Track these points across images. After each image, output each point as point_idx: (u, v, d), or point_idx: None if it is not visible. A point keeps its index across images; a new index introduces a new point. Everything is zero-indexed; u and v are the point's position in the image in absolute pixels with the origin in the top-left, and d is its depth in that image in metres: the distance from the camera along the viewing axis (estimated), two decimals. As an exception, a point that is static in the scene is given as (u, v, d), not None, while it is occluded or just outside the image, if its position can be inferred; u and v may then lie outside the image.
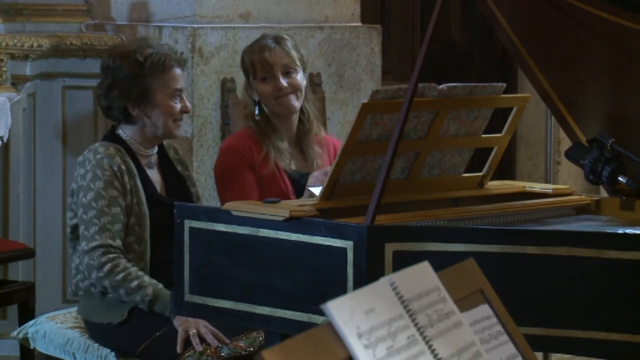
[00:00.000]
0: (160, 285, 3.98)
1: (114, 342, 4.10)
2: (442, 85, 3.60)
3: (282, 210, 3.52)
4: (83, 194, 3.97)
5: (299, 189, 4.33)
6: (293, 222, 3.41)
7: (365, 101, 3.49)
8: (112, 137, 4.14)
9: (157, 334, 3.95)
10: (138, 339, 4.01)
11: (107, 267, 3.90)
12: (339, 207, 3.49)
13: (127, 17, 5.52)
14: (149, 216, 4.04)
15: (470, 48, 6.95)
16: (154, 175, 4.18)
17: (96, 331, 4.11)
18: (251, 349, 3.89)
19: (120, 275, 3.90)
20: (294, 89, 4.37)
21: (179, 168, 4.28)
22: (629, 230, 3.52)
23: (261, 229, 3.45)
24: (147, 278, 3.96)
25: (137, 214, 4.01)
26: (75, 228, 4.03)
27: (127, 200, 3.99)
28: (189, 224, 3.62)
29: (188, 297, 3.62)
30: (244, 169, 4.39)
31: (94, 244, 3.92)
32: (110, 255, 3.91)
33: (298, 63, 4.44)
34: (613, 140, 3.16)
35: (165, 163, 4.25)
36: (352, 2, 5.73)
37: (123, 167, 4.00)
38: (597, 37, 3.42)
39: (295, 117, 4.47)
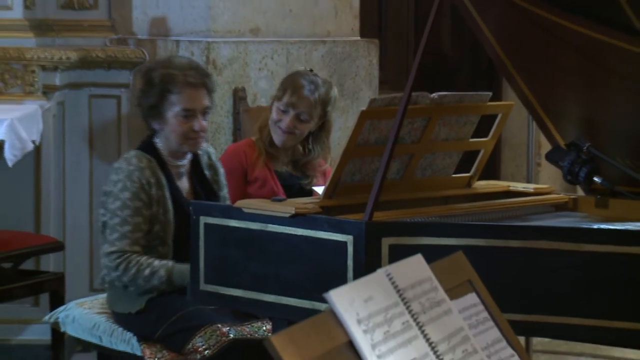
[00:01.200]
0: (171, 263, 3.97)
1: (136, 328, 4.10)
2: (433, 94, 3.60)
3: (288, 207, 3.52)
4: (112, 200, 3.96)
5: (287, 187, 4.38)
6: (298, 219, 3.41)
7: (364, 109, 3.50)
8: (147, 145, 4.08)
9: (172, 319, 3.95)
10: (156, 325, 4.01)
11: (121, 267, 3.90)
12: (340, 204, 3.50)
13: (148, 32, 5.52)
14: (174, 223, 4.00)
15: (460, 60, 6.94)
16: (183, 184, 4.12)
17: (121, 319, 4.11)
18: (256, 335, 3.90)
19: (134, 270, 3.90)
20: (294, 131, 4.35)
21: (209, 173, 4.20)
22: (603, 226, 3.52)
23: (269, 225, 3.46)
24: (157, 262, 3.95)
25: (162, 222, 3.98)
26: (104, 224, 4.02)
27: (153, 210, 3.96)
28: (204, 220, 3.62)
29: (203, 286, 3.63)
30: (234, 173, 4.40)
31: (112, 249, 3.92)
32: (124, 256, 3.91)
33: (314, 116, 4.37)
34: (589, 144, 3.17)
35: (196, 170, 4.18)
36: (352, 19, 5.73)
37: (152, 180, 3.96)
38: (575, 51, 3.43)
39: (292, 150, 4.48)
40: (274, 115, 4.37)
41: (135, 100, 4.08)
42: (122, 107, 5.55)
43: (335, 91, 4.46)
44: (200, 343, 3.88)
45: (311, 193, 4.24)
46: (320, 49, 5.53)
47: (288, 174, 4.44)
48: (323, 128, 4.45)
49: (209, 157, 4.22)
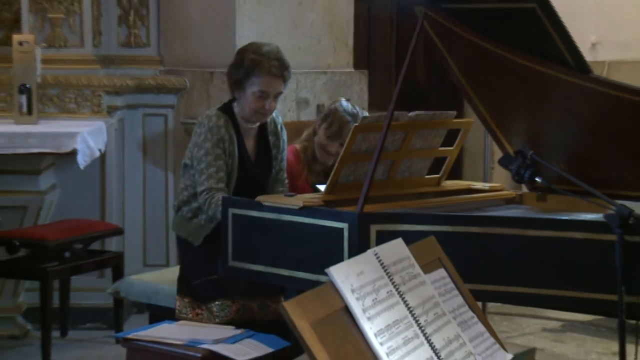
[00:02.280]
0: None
1: (186, 261, 4.06)
2: (410, 113, 3.59)
3: (297, 201, 3.50)
4: (197, 150, 3.90)
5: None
6: (305, 210, 3.39)
7: (357, 124, 3.50)
8: (226, 107, 4.00)
9: (211, 277, 3.87)
10: (197, 274, 3.94)
11: (208, 201, 3.82)
12: (338, 199, 3.48)
13: (188, 65, 5.49)
14: (237, 172, 3.93)
15: (430, 86, 6.91)
16: (249, 143, 4.01)
17: (181, 246, 4.08)
18: (262, 311, 3.84)
19: (211, 203, 3.81)
20: (337, 153, 4.05)
21: (272, 139, 4.09)
22: (543, 216, 3.51)
23: (283, 215, 3.44)
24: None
25: (229, 171, 3.92)
26: (185, 165, 3.99)
27: (226, 160, 3.90)
28: (231, 211, 3.60)
29: (231, 262, 3.60)
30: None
31: (201, 188, 3.86)
32: (210, 193, 3.83)
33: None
34: (532, 152, 3.14)
35: (261, 134, 4.07)
36: (347, 54, 5.71)
37: (226, 136, 3.89)
38: (521, 79, 3.40)
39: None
40: (323, 140, 4.28)
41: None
42: (168, 123, 5.53)
43: (365, 114, 4.32)
44: (215, 309, 3.84)
45: None
46: (322, 78, 5.50)
47: (319, 182, 4.24)
48: None
49: (275, 125, 4.11)
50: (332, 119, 4.27)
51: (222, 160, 3.89)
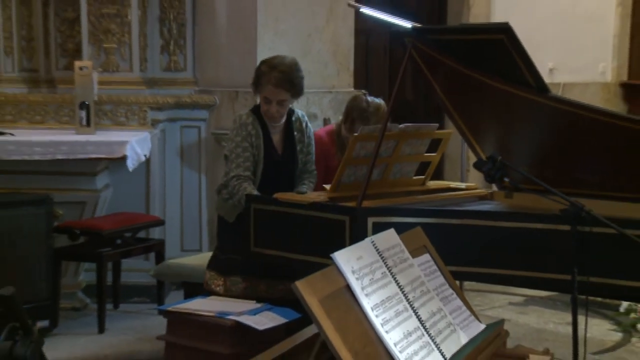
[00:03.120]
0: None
1: (221, 237, 4.04)
2: (401, 125, 3.58)
3: (307, 198, 3.51)
4: (230, 143, 3.88)
5: None
6: (314, 205, 3.39)
7: (357, 134, 3.49)
8: (255, 108, 3.95)
9: (235, 255, 3.84)
10: (228, 248, 3.91)
11: (237, 187, 3.77)
12: (341, 196, 3.47)
13: (217, 85, 5.49)
14: (263, 162, 3.87)
15: (417, 103, 6.90)
16: (276, 137, 3.92)
17: (220, 224, 4.04)
18: (269, 290, 3.79)
19: (239, 189, 3.76)
20: None
21: (297, 134, 3.98)
22: (510, 210, 3.51)
23: (295, 209, 3.43)
24: (253, 191, 3.78)
25: (256, 161, 3.86)
26: (225, 156, 3.96)
27: (253, 151, 3.84)
28: (254, 206, 3.60)
29: (253, 248, 3.60)
30: (318, 157, 4.13)
31: (231, 174, 3.83)
32: (239, 180, 3.79)
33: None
34: (501, 157, 3.13)
35: (287, 129, 3.97)
36: (348, 77, 5.71)
37: (253, 131, 3.84)
38: (492, 98, 3.40)
39: None
40: (345, 133, 4.15)
41: None
42: (201, 134, 5.53)
43: (383, 103, 4.20)
44: (229, 283, 3.83)
45: None
46: (327, 97, 5.51)
47: None
48: None
49: (300, 123, 4.00)
50: (354, 117, 4.16)
51: (249, 152, 3.84)
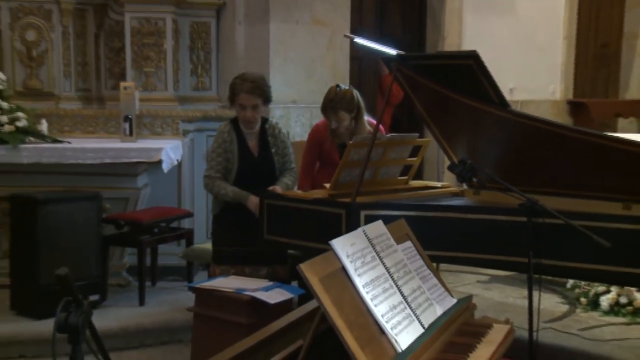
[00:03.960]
0: (236, 189, 3.82)
1: (213, 227, 4.03)
2: (388, 134, 3.58)
3: (310, 194, 3.50)
4: (210, 147, 3.91)
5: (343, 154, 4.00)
6: (316, 200, 3.38)
7: (351, 142, 3.48)
8: (234, 119, 3.93)
9: (219, 247, 3.85)
10: (216, 239, 3.93)
11: (209, 185, 3.84)
12: (338, 193, 3.47)
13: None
14: (237, 164, 3.84)
15: (401, 116, 6.87)
16: (251, 142, 3.89)
17: (213, 219, 4.03)
18: (252, 275, 3.73)
19: (215, 187, 3.82)
20: (343, 128, 3.99)
21: (272, 140, 3.95)
22: (477, 205, 3.50)
23: (301, 204, 3.43)
24: (225, 184, 3.83)
25: (232, 162, 3.85)
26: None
27: (227, 155, 3.84)
28: (266, 202, 3.58)
29: (265, 236, 3.59)
30: (313, 141, 4.15)
31: (205, 174, 3.89)
32: (210, 179, 3.84)
33: (347, 117, 3.96)
34: (470, 161, 3.12)
35: (262, 134, 3.94)
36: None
37: (228, 138, 3.84)
38: (462, 111, 3.39)
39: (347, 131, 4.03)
40: (332, 125, 4.00)
41: None
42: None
43: (355, 93, 4.00)
44: (220, 272, 3.79)
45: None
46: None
47: (343, 145, 4.00)
48: (357, 115, 4.00)
49: (274, 129, 3.97)
50: (328, 114, 4.03)
51: (222, 157, 3.85)
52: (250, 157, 3.90)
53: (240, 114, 3.85)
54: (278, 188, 3.78)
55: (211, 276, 3.84)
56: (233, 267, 3.80)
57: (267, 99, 3.86)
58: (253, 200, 3.77)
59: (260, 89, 3.81)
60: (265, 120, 3.96)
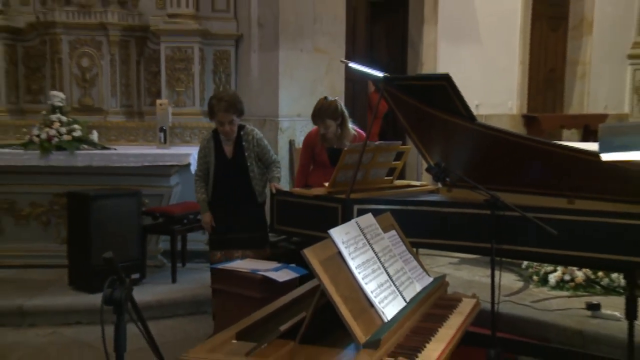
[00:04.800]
0: (203, 196, 3.76)
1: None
2: (376, 142, 3.56)
3: (312, 191, 3.47)
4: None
5: (333, 153, 3.96)
6: (316, 197, 3.36)
7: (346, 149, 3.46)
8: (214, 130, 3.80)
9: (219, 232, 3.77)
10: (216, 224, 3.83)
11: (195, 184, 3.79)
12: (336, 190, 3.44)
13: (251, 115, 5.42)
14: (214, 168, 3.75)
15: (388, 127, 6.85)
16: (228, 147, 3.75)
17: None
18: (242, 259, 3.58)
19: (196, 188, 3.78)
20: (330, 133, 3.93)
21: (246, 144, 3.73)
22: (450, 200, 3.47)
23: (304, 199, 3.40)
24: (200, 190, 3.78)
25: (210, 166, 3.76)
26: None
27: (207, 159, 3.76)
28: (276, 197, 3.57)
29: (276, 225, 3.57)
30: (307, 145, 4.05)
31: (195, 175, 3.84)
32: (197, 179, 3.79)
33: (334, 124, 3.90)
34: (444, 163, 3.10)
35: (238, 140, 3.74)
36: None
37: (207, 145, 3.76)
38: (437, 123, 3.37)
39: (335, 136, 3.96)
40: (321, 130, 3.94)
41: None
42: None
43: (338, 104, 3.90)
44: (212, 256, 3.75)
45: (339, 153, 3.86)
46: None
47: (333, 148, 3.98)
48: (342, 122, 3.94)
49: (248, 135, 3.76)
50: (317, 122, 3.93)
51: (203, 160, 3.78)
52: (224, 159, 3.78)
53: (219, 129, 3.71)
54: (276, 185, 3.67)
55: (212, 261, 3.73)
56: (222, 252, 3.70)
57: (240, 113, 3.73)
58: (205, 217, 3.77)
59: (234, 107, 3.67)
60: (242, 127, 3.80)
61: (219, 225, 3.80)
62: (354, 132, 4.02)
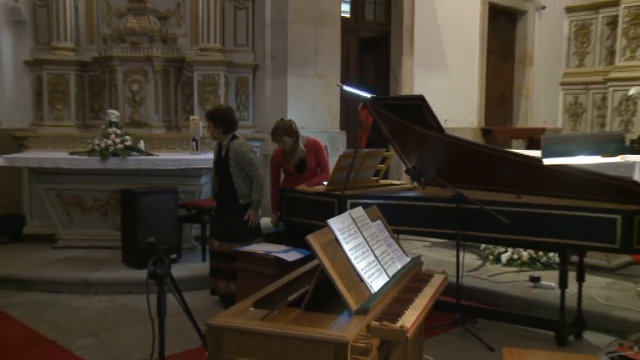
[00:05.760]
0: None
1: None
2: (365, 149, 3.54)
3: (314, 189, 3.45)
4: None
5: (298, 165, 3.75)
6: (317, 193, 3.34)
7: (341, 154, 3.44)
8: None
9: (217, 224, 3.65)
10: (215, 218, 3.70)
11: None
12: (333, 188, 3.42)
13: (263, 128, 5.33)
14: (214, 165, 3.64)
15: (374, 137, 6.81)
16: (223, 152, 3.58)
17: None
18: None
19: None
20: (287, 148, 3.74)
21: (230, 154, 3.50)
22: (424, 196, 3.45)
23: (307, 195, 3.38)
24: (211, 183, 3.68)
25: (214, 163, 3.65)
26: None
27: (215, 159, 3.65)
28: (284, 193, 3.55)
29: (285, 216, 3.56)
30: (274, 163, 3.85)
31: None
32: (210, 176, 3.64)
33: (288, 140, 3.73)
34: (419, 166, 3.09)
35: (227, 149, 3.53)
36: (336, 124, 5.63)
37: (215, 151, 3.64)
38: (414, 134, 3.36)
39: (293, 152, 3.74)
40: (280, 145, 3.78)
41: None
42: (257, 155, 5.42)
43: (292, 123, 3.71)
44: (210, 245, 3.66)
45: (305, 164, 3.69)
46: (325, 134, 5.42)
47: (297, 161, 3.77)
48: (296, 138, 3.72)
49: (234, 149, 3.50)
50: (274, 139, 3.76)
51: (213, 160, 3.66)
52: (219, 160, 3.61)
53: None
54: (250, 213, 3.50)
55: (211, 247, 3.60)
56: (217, 241, 3.57)
57: (215, 123, 3.49)
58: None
59: (209, 116, 3.52)
60: (233, 138, 3.57)
61: (215, 218, 3.70)
62: (302, 146, 3.73)
